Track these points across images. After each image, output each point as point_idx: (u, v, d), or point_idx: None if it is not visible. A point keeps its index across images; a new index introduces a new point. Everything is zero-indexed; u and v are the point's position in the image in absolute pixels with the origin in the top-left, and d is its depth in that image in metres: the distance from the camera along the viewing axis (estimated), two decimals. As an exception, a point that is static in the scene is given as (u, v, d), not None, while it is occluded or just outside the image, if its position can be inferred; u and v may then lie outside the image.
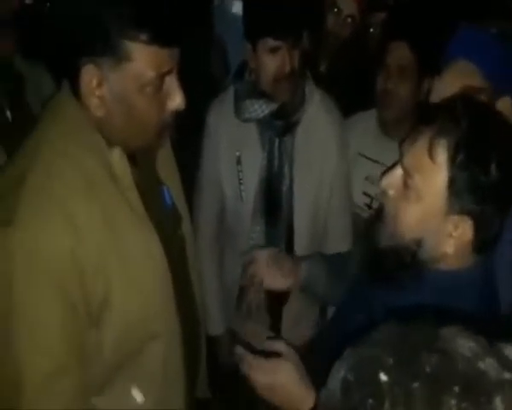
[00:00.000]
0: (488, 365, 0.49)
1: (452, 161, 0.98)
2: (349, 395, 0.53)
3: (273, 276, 1.48)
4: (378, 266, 1.14)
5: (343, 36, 2.16)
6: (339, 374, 0.55)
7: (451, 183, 0.99)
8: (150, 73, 1.00)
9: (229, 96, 1.78)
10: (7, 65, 1.68)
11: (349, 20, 2.15)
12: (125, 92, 1.01)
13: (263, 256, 1.48)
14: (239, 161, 1.77)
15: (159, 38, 0.98)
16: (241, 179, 1.77)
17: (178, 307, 1.23)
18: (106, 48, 0.97)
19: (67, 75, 1.06)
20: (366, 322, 1.13)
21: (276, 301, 1.89)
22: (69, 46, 0.99)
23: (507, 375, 0.48)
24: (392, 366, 0.51)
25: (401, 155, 1.07)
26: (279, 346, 1.17)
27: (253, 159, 1.76)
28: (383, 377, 0.51)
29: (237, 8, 2.39)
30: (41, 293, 0.98)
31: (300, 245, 1.82)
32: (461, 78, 1.28)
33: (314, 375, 1.15)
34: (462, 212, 1.01)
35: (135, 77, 0.99)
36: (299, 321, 1.95)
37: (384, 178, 1.10)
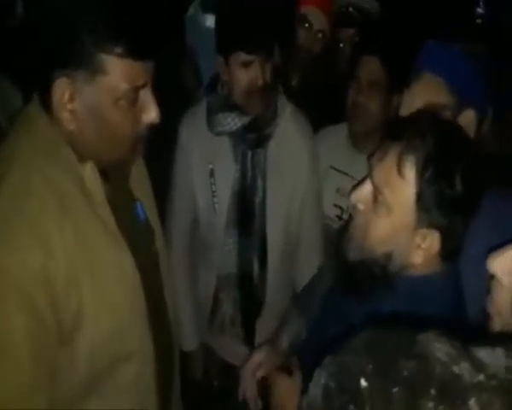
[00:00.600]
0: (463, 368, 0.51)
1: (420, 176, 1.02)
2: (330, 401, 0.54)
3: None
4: (349, 279, 1.16)
5: (314, 51, 2.18)
6: (320, 381, 0.56)
7: (420, 197, 1.02)
8: (124, 86, 0.99)
9: (201, 108, 1.79)
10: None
11: (320, 35, 2.17)
12: (98, 105, 1.00)
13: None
14: (212, 174, 1.77)
15: (133, 51, 0.97)
16: (214, 192, 1.78)
17: (151, 323, 1.22)
18: (80, 60, 0.96)
19: (38, 88, 1.04)
20: (342, 333, 1.15)
21: (249, 314, 1.89)
22: (42, 58, 0.98)
23: (481, 377, 0.50)
24: (372, 371, 0.52)
25: (370, 170, 1.09)
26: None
27: (226, 171, 1.77)
28: (363, 382, 0.52)
29: (210, 21, 2.39)
30: (10, 309, 0.96)
31: (273, 256, 1.84)
32: (427, 91, 1.30)
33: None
34: (431, 225, 1.04)
35: (109, 90, 0.98)
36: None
37: (354, 192, 1.12)
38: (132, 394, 1.18)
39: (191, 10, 2.50)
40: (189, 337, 1.90)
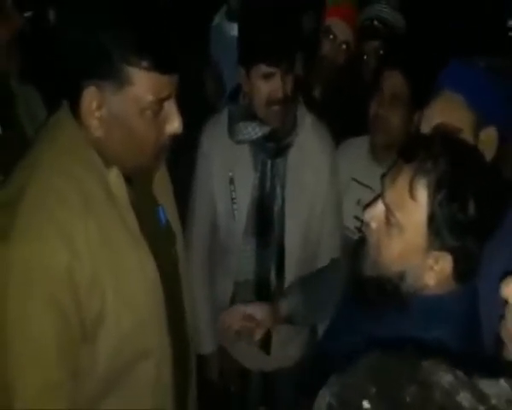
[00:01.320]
0: (464, 398, 0.52)
1: (432, 199, 1.02)
2: None
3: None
4: (362, 293, 1.17)
5: (338, 62, 2.20)
6: (324, 400, 0.58)
7: (431, 220, 1.03)
8: (150, 98, 1.03)
9: (222, 117, 1.82)
10: (3, 81, 1.71)
11: (344, 46, 2.19)
12: (124, 115, 1.04)
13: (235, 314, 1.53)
14: (232, 181, 1.80)
15: (159, 65, 1.01)
16: (233, 199, 1.81)
17: (170, 325, 1.25)
18: (108, 72, 1.00)
19: (68, 96, 1.09)
20: (352, 345, 1.16)
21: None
22: (73, 69, 1.02)
23: (481, 408, 0.52)
24: (375, 394, 0.54)
25: (382, 190, 1.10)
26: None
27: (246, 179, 1.79)
28: (366, 404, 0.54)
29: (235, 30, 2.42)
30: (35, 307, 1.00)
31: (290, 266, 1.85)
32: (446, 108, 1.31)
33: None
34: (442, 248, 1.04)
35: (135, 101, 1.03)
36: (289, 342, 1.97)
37: (367, 211, 1.13)
38: (150, 392, 1.21)
39: (217, 19, 2.54)
40: (206, 340, 1.93)
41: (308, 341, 2.03)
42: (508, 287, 0.84)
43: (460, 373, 0.55)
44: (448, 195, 1.01)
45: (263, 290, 1.86)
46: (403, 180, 1.05)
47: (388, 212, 1.08)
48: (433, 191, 1.02)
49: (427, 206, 1.03)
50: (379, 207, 1.10)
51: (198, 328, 1.82)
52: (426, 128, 1.34)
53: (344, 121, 2.08)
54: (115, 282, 1.09)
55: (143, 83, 1.02)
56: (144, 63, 1.00)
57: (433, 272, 1.06)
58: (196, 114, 1.74)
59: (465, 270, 1.08)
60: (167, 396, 1.29)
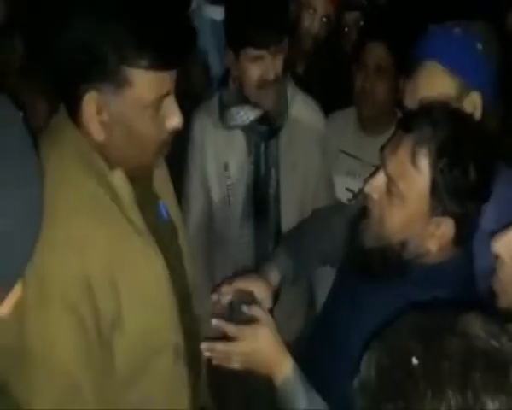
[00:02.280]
0: (502, 341, 0.58)
1: (434, 166, 1.05)
2: (384, 380, 0.60)
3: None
4: (365, 265, 1.19)
5: (318, 36, 2.19)
6: (371, 362, 0.62)
7: (434, 187, 1.06)
8: (150, 97, 1.02)
9: (213, 103, 1.81)
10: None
11: (324, 19, 2.17)
12: (125, 116, 1.02)
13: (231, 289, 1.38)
14: (226, 167, 1.80)
15: (158, 63, 1.00)
16: (228, 185, 1.81)
17: (180, 317, 1.26)
18: (107, 75, 0.98)
19: (66, 100, 1.07)
20: (352, 320, 1.20)
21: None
22: (70, 73, 1.00)
23: None
24: (422, 350, 0.59)
25: (383, 162, 1.12)
26: (256, 312, 1.19)
27: (240, 164, 1.79)
28: (415, 360, 0.58)
29: (214, 13, 2.38)
30: (53, 315, 1.00)
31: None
32: (430, 78, 1.32)
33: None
34: (444, 213, 1.07)
35: (135, 101, 1.01)
36: (291, 318, 2.00)
37: (367, 183, 1.15)
38: (167, 385, 1.22)
39: (194, 4, 2.49)
40: (209, 328, 1.94)
41: (307, 315, 2.06)
42: (498, 243, 0.88)
43: (494, 321, 0.61)
44: (449, 161, 1.04)
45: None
46: (404, 150, 1.07)
47: (390, 182, 1.10)
48: (435, 159, 1.04)
49: (429, 173, 1.05)
50: (380, 179, 1.12)
51: (201, 315, 1.83)
52: (410, 102, 1.35)
53: (327, 94, 2.08)
54: (128, 283, 1.09)
55: (143, 82, 1.00)
56: (142, 62, 0.98)
57: (435, 237, 1.09)
58: (183, 102, 1.72)
59: (465, 233, 1.12)
60: (183, 386, 1.31)
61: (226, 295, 1.31)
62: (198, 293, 1.46)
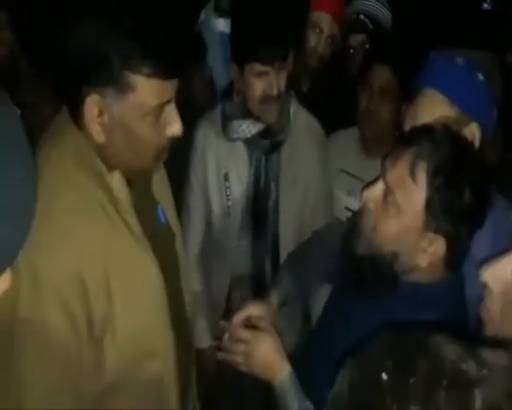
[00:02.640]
0: (469, 364, 0.61)
1: (431, 183, 1.06)
2: (355, 394, 0.63)
3: None
4: (355, 271, 1.21)
5: (324, 56, 2.22)
6: (344, 378, 0.64)
7: (429, 203, 1.07)
8: (152, 103, 1.04)
9: (216, 114, 1.84)
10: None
11: (330, 40, 2.21)
12: (126, 120, 1.05)
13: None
14: (226, 178, 1.82)
15: (160, 71, 1.02)
16: (228, 196, 1.83)
17: (172, 324, 1.27)
18: (110, 79, 1.01)
19: (68, 101, 1.09)
20: (343, 333, 1.21)
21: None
22: (73, 75, 1.03)
23: (484, 372, 0.60)
24: (392, 366, 0.61)
25: (383, 171, 1.14)
26: (262, 323, 1.28)
27: (241, 175, 1.82)
28: (384, 376, 0.61)
29: (223, 25, 2.42)
30: (45, 315, 1.01)
31: (285, 250, 1.83)
32: (430, 106, 1.34)
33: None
34: (437, 231, 1.09)
35: (137, 106, 1.04)
36: (285, 330, 2.00)
37: (365, 191, 1.16)
38: (156, 391, 1.23)
39: (203, 15, 2.53)
40: (202, 335, 1.95)
41: (302, 328, 2.07)
42: (486, 271, 0.89)
43: (465, 343, 0.63)
44: (445, 181, 1.06)
45: (258, 283, 1.89)
46: (404, 162, 1.10)
47: (388, 190, 1.11)
48: (432, 175, 1.06)
49: (426, 189, 1.07)
50: (378, 187, 1.14)
51: (195, 323, 1.84)
52: (410, 126, 1.37)
53: (330, 114, 2.11)
54: (121, 286, 1.10)
55: (145, 89, 1.03)
56: (146, 70, 1.01)
57: (426, 254, 1.11)
58: (184, 111, 1.75)
59: (456, 256, 1.13)
60: (172, 392, 1.31)
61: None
62: (192, 299, 1.48)
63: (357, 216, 1.21)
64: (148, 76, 1.02)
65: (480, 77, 1.35)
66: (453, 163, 1.07)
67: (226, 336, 1.29)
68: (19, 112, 0.68)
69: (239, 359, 1.27)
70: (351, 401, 0.62)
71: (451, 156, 1.07)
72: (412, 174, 1.08)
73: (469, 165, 1.08)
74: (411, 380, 0.59)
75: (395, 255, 1.13)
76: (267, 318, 1.40)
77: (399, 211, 1.10)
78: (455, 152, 1.08)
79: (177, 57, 1.06)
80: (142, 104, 1.04)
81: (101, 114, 1.04)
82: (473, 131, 1.32)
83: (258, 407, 1.50)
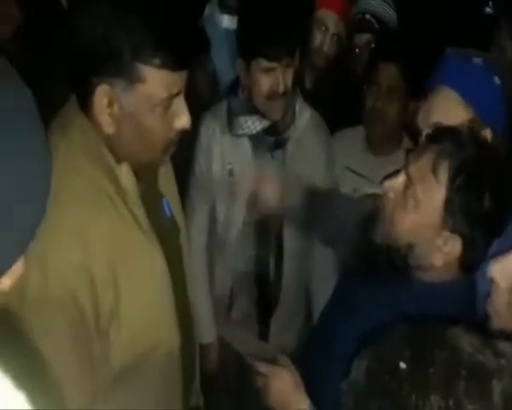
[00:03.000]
0: (487, 356, 0.63)
1: (452, 182, 1.08)
2: (373, 382, 0.64)
3: None
4: (370, 258, 1.22)
5: (329, 54, 2.22)
6: (361, 365, 0.66)
7: (448, 202, 1.08)
8: (161, 95, 1.05)
9: (221, 109, 1.84)
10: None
11: (335, 38, 2.21)
12: (135, 111, 1.05)
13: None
14: (231, 174, 1.82)
15: (171, 62, 1.03)
16: (232, 191, 1.83)
17: (177, 317, 1.27)
18: (120, 70, 1.01)
19: (78, 91, 1.09)
20: (348, 324, 1.22)
21: (265, 310, 1.95)
22: (84, 65, 1.03)
23: (502, 361, 0.62)
24: (410, 356, 0.63)
25: (406, 163, 1.15)
26: (282, 359, 1.30)
27: (245, 172, 1.81)
28: (402, 365, 0.63)
29: (227, 22, 2.42)
30: (54, 303, 1.01)
31: (289, 255, 1.89)
32: (445, 105, 1.35)
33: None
34: (454, 230, 1.09)
35: (146, 98, 1.04)
36: (286, 328, 2.01)
37: (387, 180, 1.17)
38: (161, 383, 1.23)
39: (208, 10, 2.53)
40: (206, 330, 1.95)
41: (304, 326, 2.07)
42: (494, 266, 0.91)
43: (481, 336, 0.65)
44: (466, 181, 1.07)
45: (262, 281, 1.90)
46: (427, 157, 1.11)
47: (409, 183, 1.12)
48: (454, 175, 1.07)
49: (446, 187, 1.08)
50: (399, 178, 1.15)
51: (198, 319, 1.84)
52: (423, 124, 1.37)
53: (335, 112, 2.11)
54: (127, 277, 1.10)
55: (155, 80, 1.03)
56: (156, 61, 1.01)
57: (441, 253, 1.11)
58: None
59: (471, 258, 1.13)
60: (176, 386, 1.31)
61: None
62: (195, 294, 1.48)
63: (376, 205, 1.22)
64: (159, 67, 1.02)
65: (497, 81, 1.36)
66: (475, 166, 1.08)
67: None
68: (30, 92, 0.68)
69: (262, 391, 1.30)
70: (368, 388, 0.64)
71: (474, 159, 1.08)
72: (434, 171, 1.09)
73: (492, 170, 1.09)
74: (430, 370, 0.61)
75: (410, 248, 1.14)
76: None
77: (418, 205, 1.11)
78: (478, 155, 1.09)
79: (186, 49, 1.06)
80: (152, 96, 1.04)
81: (110, 104, 1.04)
82: (485, 136, 1.33)
83: (260, 405, 1.50)
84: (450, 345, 0.63)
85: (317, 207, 1.60)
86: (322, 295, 1.77)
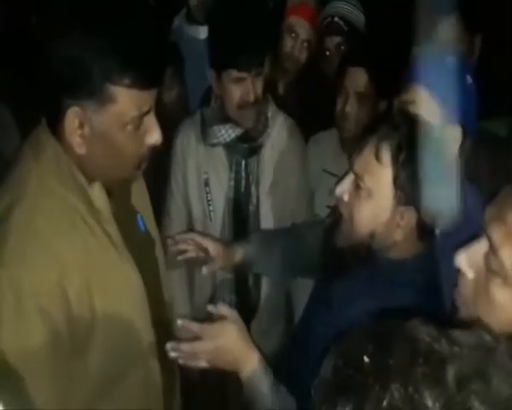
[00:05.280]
0: (442, 344, 0.67)
1: (395, 159, 1.16)
2: (339, 377, 0.68)
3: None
4: (337, 263, 1.27)
5: (300, 60, 2.24)
6: (329, 363, 0.70)
7: (396, 178, 1.17)
8: (132, 114, 1.05)
9: (195, 120, 1.85)
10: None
11: (305, 44, 2.23)
12: (107, 131, 1.05)
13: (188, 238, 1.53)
14: (207, 183, 1.83)
15: (141, 82, 1.03)
16: (209, 201, 1.84)
17: (155, 331, 1.28)
18: (90, 91, 1.00)
19: (48, 114, 1.09)
20: (325, 322, 1.24)
21: (245, 317, 1.95)
22: (55, 87, 1.02)
23: (455, 348, 0.67)
24: (372, 350, 0.67)
25: (351, 164, 1.23)
26: (223, 310, 1.21)
27: (221, 180, 1.83)
28: (366, 359, 0.67)
29: (195, 32, 2.42)
30: (29, 325, 1.01)
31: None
32: (417, 103, 1.38)
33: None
34: (407, 202, 1.18)
35: (117, 117, 1.04)
36: (268, 331, 2.02)
37: (337, 187, 1.24)
38: (141, 398, 1.23)
39: (177, 22, 2.53)
40: (186, 340, 1.95)
41: (285, 331, 2.08)
42: (460, 256, 0.94)
43: (437, 327, 0.70)
44: (408, 155, 1.15)
45: (241, 287, 1.91)
46: (369, 148, 1.19)
47: (357, 178, 1.20)
48: (396, 153, 1.16)
49: (392, 166, 1.16)
50: (348, 180, 1.23)
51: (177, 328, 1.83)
52: None
53: (307, 117, 2.13)
54: (103, 296, 1.11)
55: (126, 100, 1.03)
56: (126, 81, 1.01)
57: (400, 228, 1.19)
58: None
59: (426, 224, 1.20)
60: (158, 400, 1.32)
61: (182, 243, 1.45)
62: (173, 305, 1.48)
63: (334, 211, 1.29)
64: (129, 87, 1.02)
65: (469, 80, 1.38)
66: (413, 139, 1.15)
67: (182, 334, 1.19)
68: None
69: (201, 357, 1.18)
70: (334, 383, 0.68)
71: (411, 133, 1.16)
72: (377, 156, 1.17)
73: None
74: (390, 361, 0.65)
75: (372, 235, 1.22)
76: (218, 258, 1.47)
77: (370, 193, 1.19)
78: (413, 129, 1.16)
79: (156, 67, 1.06)
80: (123, 115, 1.04)
81: (81, 126, 1.03)
82: (455, 135, 1.35)
83: (242, 410, 1.51)
84: (409, 337, 0.68)
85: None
86: (302, 301, 1.79)
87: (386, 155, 1.16)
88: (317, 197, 2.02)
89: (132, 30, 1.03)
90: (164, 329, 1.40)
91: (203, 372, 2.01)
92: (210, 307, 1.22)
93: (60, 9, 1.05)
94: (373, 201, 1.19)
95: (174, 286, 1.85)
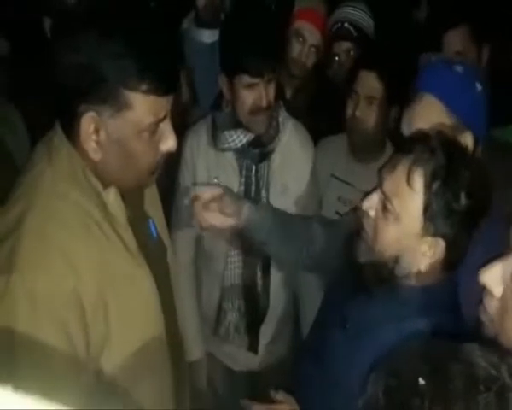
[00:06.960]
0: (501, 372, 0.65)
1: (428, 187, 1.10)
2: (392, 398, 0.65)
3: (212, 214, 1.49)
4: (358, 278, 1.23)
5: (307, 64, 2.23)
6: (378, 382, 0.67)
7: (427, 208, 1.11)
8: (148, 120, 1.04)
9: (206, 124, 1.84)
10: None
11: (313, 49, 2.22)
12: (122, 137, 1.04)
13: (205, 195, 1.49)
14: None
15: (157, 88, 1.02)
16: (218, 205, 1.82)
17: (167, 337, 1.27)
18: (106, 97, 1.00)
19: (63, 118, 1.08)
20: (341, 340, 1.23)
21: (254, 322, 1.95)
22: (71, 92, 1.01)
23: None
24: (428, 372, 0.65)
25: (380, 181, 1.18)
26: (280, 396, 1.31)
27: (231, 185, 1.80)
28: (421, 381, 0.64)
29: (204, 36, 2.41)
30: (45, 333, 1.00)
31: (275, 266, 1.89)
32: (427, 111, 1.37)
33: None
34: (436, 234, 1.13)
35: (133, 124, 1.03)
36: (275, 339, 2.02)
37: (365, 200, 1.20)
38: (153, 405, 1.22)
39: (185, 25, 2.53)
40: (194, 347, 1.94)
41: (293, 335, 2.07)
42: (485, 273, 0.92)
43: (493, 352, 0.67)
44: (443, 185, 1.10)
45: (250, 293, 1.90)
46: (401, 170, 1.13)
47: (386, 200, 1.15)
48: (429, 181, 1.10)
49: (423, 194, 1.11)
50: (376, 197, 1.18)
51: (186, 335, 1.83)
52: (406, 130, 1.40)
53: (316, 122, 2.12)
54: (117, 303, 1.10)
55: (142, 106, 1.02)
56: (143, 87, 1.01)
57: (426, 257, 1.15)
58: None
59: (455, 257, 1.17)
60: (169, 406, 1.31)
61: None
62: (182, 311, 1.47)
63: (358, 225, 1.24)
64: (146, 93, 1.01)
65: (479, 86, 1.38)
66: (449, 168, 1.11)
67: None
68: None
69: None
70: (387, 405, 0.65)
71: (447, 161, 1.11)
72: (409, 181, 1.11)
73: (464, 169, 1.12)
74: (449, 385, 0.63)
75: (396, 259, 1.17)
76: (227, 207, 1.44)
77: (398, 218, 1.14)
78: (450, 157, 1.12)
79: (173, 72, 1.05)
80: (139, 121, 1.03)
81: (96, 131, 1.03)
82: (466, 141, 1.35)
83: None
84: (466, 361, 0.65)
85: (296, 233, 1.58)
86: (310, 305, 1.79)
87: (419, 182, 1.10)
88: (325, 202, 2.01)
89: (149, 36, 1.02)
90: (175, 334, 1.40)
91: (211, 381, 2.04)
92: (272, 393, 1.33)
93: (76, 14, 1.04)
94: (400, 226, 1.14)
95: (182, 291, 1.85)
